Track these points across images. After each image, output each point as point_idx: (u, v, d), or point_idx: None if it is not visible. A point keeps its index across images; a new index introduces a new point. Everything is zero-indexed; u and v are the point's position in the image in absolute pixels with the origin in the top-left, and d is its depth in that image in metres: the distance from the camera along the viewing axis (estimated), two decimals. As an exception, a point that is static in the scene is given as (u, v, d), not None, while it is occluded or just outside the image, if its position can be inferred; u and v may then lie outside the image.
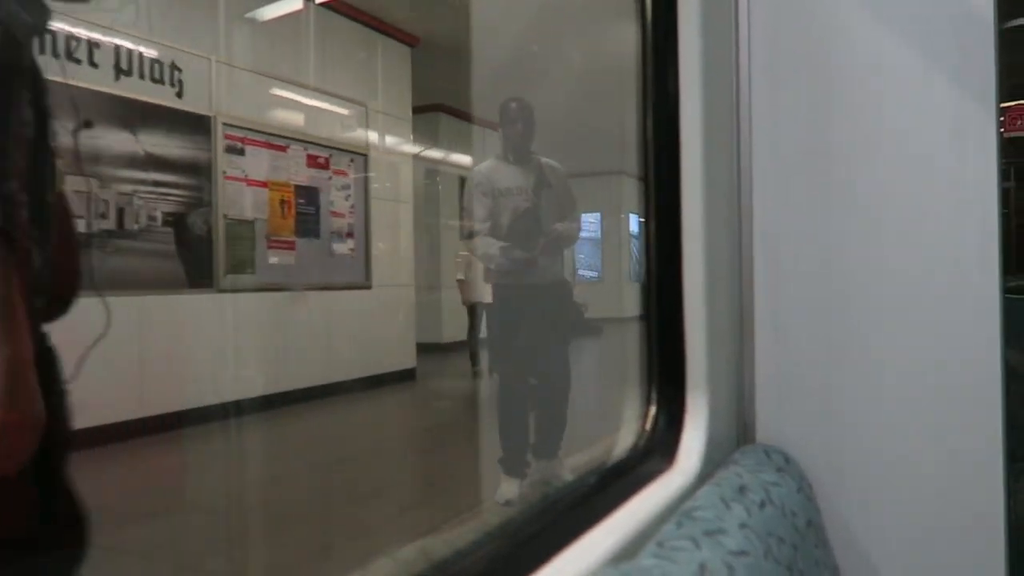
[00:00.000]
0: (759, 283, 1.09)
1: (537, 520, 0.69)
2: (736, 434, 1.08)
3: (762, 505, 0.85)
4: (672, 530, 0.71)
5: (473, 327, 7.38)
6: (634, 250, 14.00)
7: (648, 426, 0.95)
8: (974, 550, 0.97)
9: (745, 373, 1.09)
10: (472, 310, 7.30)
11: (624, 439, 0.95)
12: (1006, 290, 2.93)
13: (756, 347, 1.09)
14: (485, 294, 5.27)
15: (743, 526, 0.76)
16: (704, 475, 0.91)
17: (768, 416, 1.09)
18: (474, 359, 7.45)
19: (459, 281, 7.33)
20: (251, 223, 5.57)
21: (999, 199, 0.99)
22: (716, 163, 1.02)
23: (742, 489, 0.86)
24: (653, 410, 0.96)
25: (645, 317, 0.98)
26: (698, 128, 0.97)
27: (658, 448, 0.92)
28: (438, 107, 9.09)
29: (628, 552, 0.68)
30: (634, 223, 14.00)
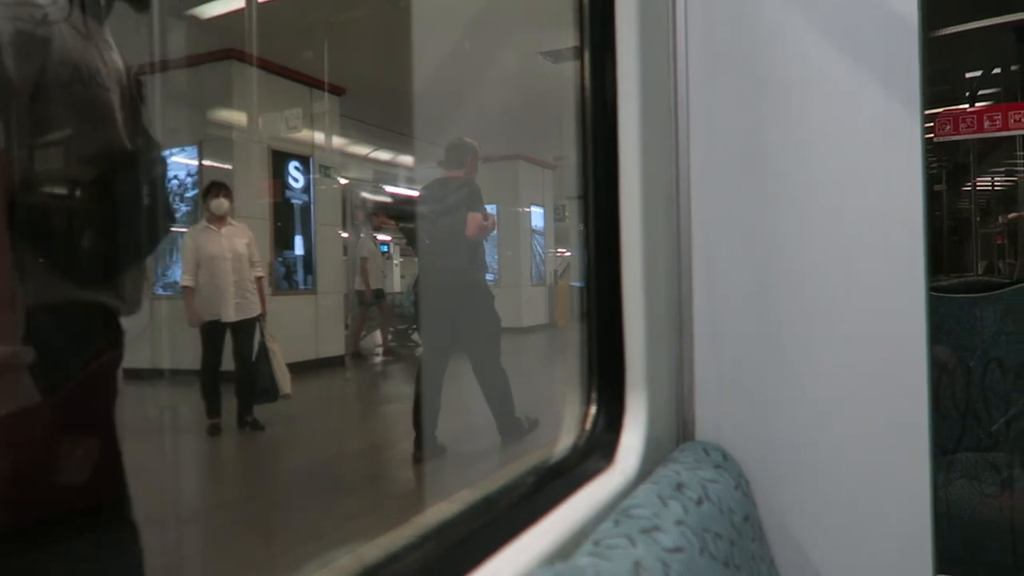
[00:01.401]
0: (697, 284, 1.10)
1: (472, 522, 0.68)
2: (676, 432, 1.10)
3: (699, 502, 0.86)
4: (609, 529, 0.72)
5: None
6: (537, 248, 12.67)
7: (588, 426, 0.95)
8: (902, 540, 1.00)
9: (684, 372, 1.11)
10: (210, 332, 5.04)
11: (564, 440, 0.95)
12: (940, 288, 3.04)
13: (695, 346, 1.11)
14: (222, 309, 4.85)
15: (679, 523, 0.77)
16: (643, 473, 0.92)
17: (707, 414, 1.10)
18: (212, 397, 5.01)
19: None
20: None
21: (924, 201, 1.02)
22: (654, 165, 1.04)
23: (680, 486, 0.87)
24: (593, 411, 0.96)
25: (584, 319, 0.98)
26: (636, 130, 0.98)
27: (597, 448, 0.93)
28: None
29: (564, 552, 0.68)
30: (538, 218, 12.62)
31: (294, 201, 8.63)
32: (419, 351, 9.75)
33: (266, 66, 8.02)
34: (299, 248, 8.65)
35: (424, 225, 4.73)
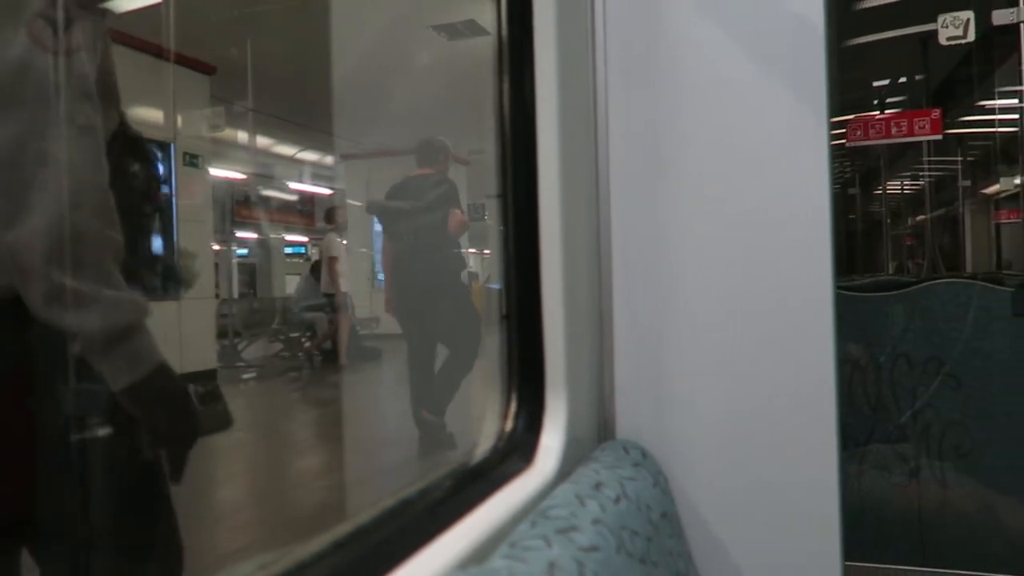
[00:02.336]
0: (617, 283, 1.12)
1: (386, 527, 0.67)
2: (597, 432, 1.11)
3: (617, 500, 0.87)
4: (526, 530, 0.72)
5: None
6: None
7: (507, 427, 0.95)
8: (812, 530, 1.04)
9: (605, 372, 1.12)
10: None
11: (484, 442, 0.95)
12: (853, 288, 3.16)
13: (615, 346, 1.12)
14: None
15: (596, 522, 0.78)
16: (563, 474, 0.93)
17: (627, 413, 1.12)
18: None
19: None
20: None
21: (831, 204, 1.06)
22: (574, 166, 1.04)
23: (598, 485, 0.88)
24: (513, 412, 0.96)
25: (504, 319, 0.98)
26: (555, 132, 0.98)
27: (517, 449, 0.93)
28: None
29: (480, 555, 0.68)
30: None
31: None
32: (315, 361, 9.29)
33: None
34: (156, 247, 8.09)
35: (397, 223, 4.60)
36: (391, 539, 0.65)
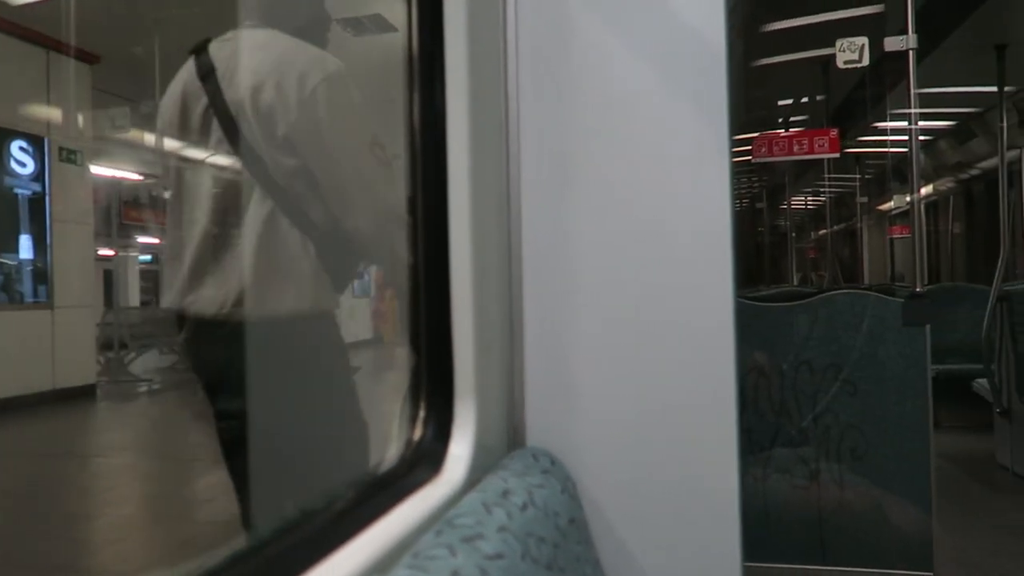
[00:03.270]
0: (528, 291, 1.13)
1: (284, 540, 0.66)
2: (507, 439, 1.11)
3: (524, 507, 0.87)
4: (431, 539, 0.71)
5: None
6: None
7: (416, 436, 0.94)
8: (713, 533, 1.07)
9: (515, 379, 1.13)
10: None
11: (391, 452, 0.93)
12: (760, 299, 3.27)
13: (526, 353, 1.13)
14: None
15: (502, 529, 0.78)
16: (471, 482, 0.93)
17: (537, 420, 1.13)
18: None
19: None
20: None
21: (732, 217, 1.10)
22: (485, 173, 1.05)
23: (506, 493, 0.88)
24: (421, 421, 0.95)
25: (412, 327, 0.98)
26: (465, 139, 0.98)
27: (425, 458, 0.92)
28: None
29: (383, 565, 0.67)
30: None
31: (18, 191, 6.95)
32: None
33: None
34: (26, 251, 7.02)
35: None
36: (288, 553, 0.63)
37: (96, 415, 7.32)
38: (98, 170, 9.62)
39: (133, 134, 7.89)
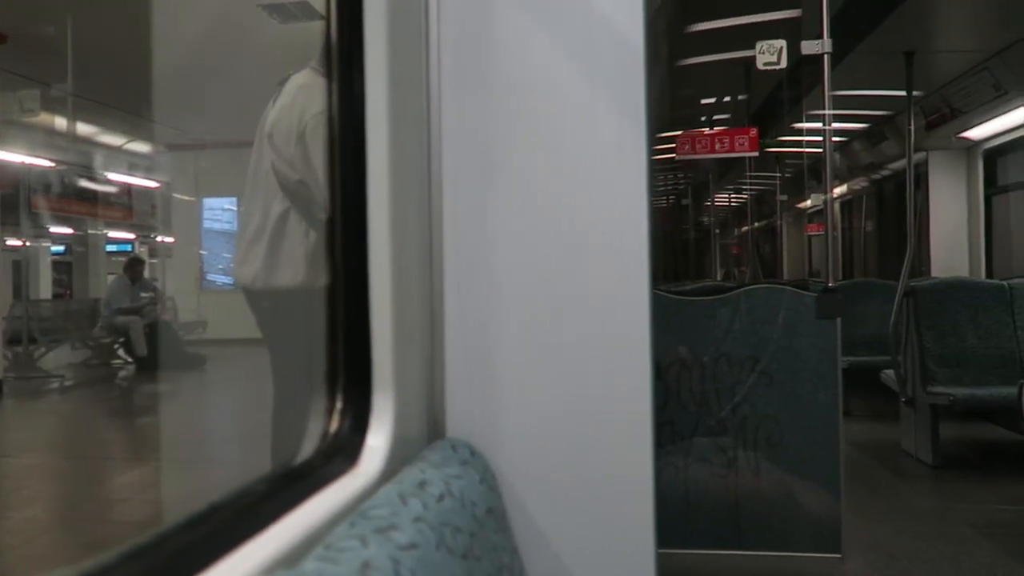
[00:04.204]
0: (449, 283, 1.13)
1: (189, 534, 0.64)
2: (427, 431, 1.11)
3: (441, 498, 0.87)
4: (343, 531, 0.71)
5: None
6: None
7: (332, 428, 0.93)
8: (628, 520, 1.10)
9: (436, 370, 1.13)
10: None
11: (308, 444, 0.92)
12: (684, 293, 3.34)
13: (447, 345, 1.13)
14: None
15: (417, 520, 0.78)
16: (388, 474, 0.92)
17: (458, 411, 1.13)
18: None
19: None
20: None
21: (649, 212, 1.13)
22: (405, 165, 1.04)
23: (423, 484, 0.88)
24: (338, 412, 0.94)
25: (330, 319, 0.96)
26: (384, 128, 0.98)
27: (341, 450, 0.91)
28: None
29: (293, 558, 0.66)
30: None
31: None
32: (127, 371, 8.59)
33: None
34: None
35: None
36: (192, 546, 0.62)
37: (1, 413, 6.95)
38: (4, 155, 9.11)
39: (43, 118, 7.49)
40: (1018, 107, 5.21)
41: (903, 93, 5.03)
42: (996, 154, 6.20)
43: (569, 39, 1.12)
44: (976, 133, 6.08)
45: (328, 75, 0.95)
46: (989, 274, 6.13)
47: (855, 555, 2.85)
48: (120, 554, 0.58)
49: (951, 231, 6.58)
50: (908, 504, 3.69)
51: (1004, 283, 4.49)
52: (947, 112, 5.91)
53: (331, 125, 0.95)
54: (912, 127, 5.00)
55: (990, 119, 5.73)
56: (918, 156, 6.01)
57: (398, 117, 1.01)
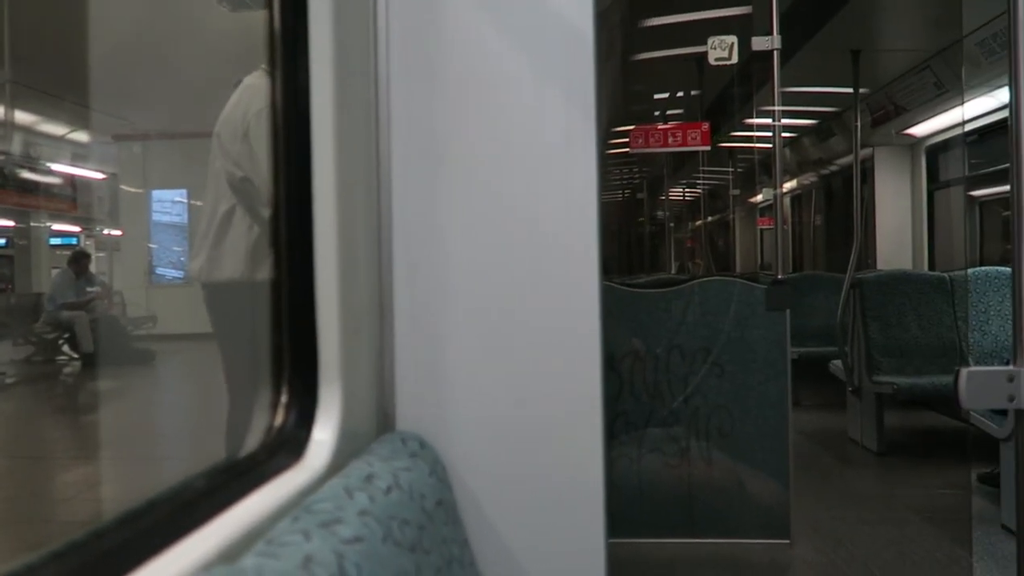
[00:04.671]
0: (399, 276, 1.12)
1: (124, 530, 0.62)
2: (376, 424, 1.10)
3: (388, 491, 0.87)
4: (286, 526, 0.70)
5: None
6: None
7: (277, 422, 0.92)
8: (578, 511, 1.10)
9: (385, 363, 1.12)
10: None
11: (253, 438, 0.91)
12: (638, 285, 3.37)
13: (396, 338, 1.12)
14: None
15: (363, 513, 0.77)
16: (336, 467, 0.91)
17: (408, 404, 1.12)
18: None
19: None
20: None
21: (599, 205, 1.13)
22: (352, 156, 1.03)
23: (370, 477, 0.87)
24: (283, 406, 0.93)
25: (275, 312, 0.95)
26: (330, 118, 0.96)
27: (286, 444, 0.90)
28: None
29: (233, 554, 0.65)
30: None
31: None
32: (73, 367, 8.38)
33: None
34: None
35: None
36: (126, 544, 0.60)
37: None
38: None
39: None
40: (958, 105, 5.38)
41: (850, 90, 5.16)
42: (938, 150, 6.39)
43: (519, 31, 1.11)
44: (919, 130, 6.26)
45: (272, 65, 0.93)
46: (931, 266, 6.31)
47: (803, 540, 2.92)
48: (49, 553, 0.56)
49: (896, 225, 6.76)
50: (854, 490, 3.79)
51: (945, 275, 4.64)
52: (891, 109, 6.07)
53: (275, 116, 0.94)
54: (859, 124, 5.13)
55: (932, 116, 5.90)
56: (864, 152, 6.16)
57: (345, 108, 1.00)
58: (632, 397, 3.06)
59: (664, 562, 2.77)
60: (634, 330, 3.12)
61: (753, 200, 11.21)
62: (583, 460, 1.11)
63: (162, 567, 0.59)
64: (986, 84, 4.81)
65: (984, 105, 5.12)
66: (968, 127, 5.57)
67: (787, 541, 2.84)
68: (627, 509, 2.92)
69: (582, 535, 1.11)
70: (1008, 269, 1.15)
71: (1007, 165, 1.16)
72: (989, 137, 5.40)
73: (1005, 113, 1.17)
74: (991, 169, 5.67)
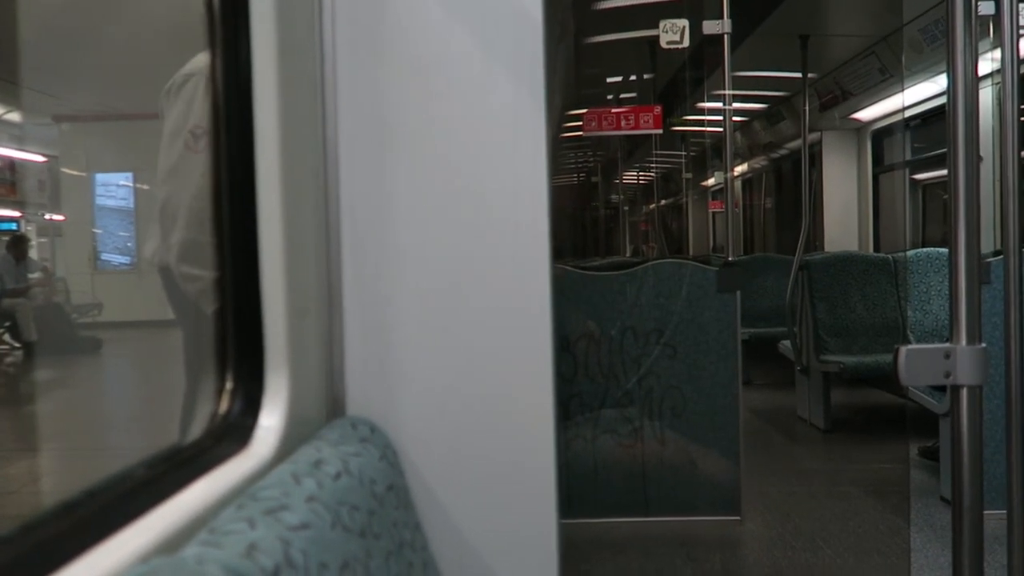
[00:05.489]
0: (347, 258, 1.10)
1: (58, 522, 0.60)
2: (326, 409, 1.09)
3: (337, 476, 0.86)
4: (230, 514, 0.68)
5: None
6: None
7: (223, 409, 0.90)
8: (531, 492, 1.11)
9: (335, 347, 1.10)
10: None
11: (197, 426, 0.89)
12: (593, 268, 3.39)
13: (346, 321, 1.10)
14: None
15: (311, 499, 0.76)
16: (284, 454, 0.90)
17: (358, 389, 1.11)
18: None
19: None
20: None
21: (548, 186, 1.13)
22: (297, 137, 1.00)
23: (318, 463, 0.86)
24: (229, 392, 0.91)
25: (219, 296, 0.92)
26: (274, 100, 0.94)
27: (232, 431, 0.88)
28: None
29: (175, 544, 0.63)
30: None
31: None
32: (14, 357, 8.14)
33: None
34: None
35: None
36: (59, 537, 0.58)
37: None
38: None
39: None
40: (902, 91, 5.51)
41: (799, 75, 5.24)
42: (883, 134, 6.55)
43: (467, 9, 1.10)
44: (865, 115, 6.41)
45: (211, 40, 0.90)
46: (876, 248, 6.49)
47: (753, 516, 3.00)
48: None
49: (843, 208, 6.92)
50: (802, 467, 3.89)
51: (889, 256, 4.77)
52: (839, 94, 6.19)
53: (215, 93, 0.91)
54: (807, 108, 5.23)
55: (877, 101, 6.04)
56: (813, 136, 6.29)
57: (289, 85, 0.97)
58: (587, 378, 3.09)
59: (618, 541, 2.81)
60: (589, 312, 3.15)
61: (706, 184, 11.36)
62: (535, 442, 1.11)
63: (96, 560, 0.57)
64: (928, 70, 4.94)
65: (927, 91, 5.26)
66: (912, 112, 5.72)
67: (738, 517, 2.92)
68: (582, 490, 2.96)
69: (534, 516, 1.12)
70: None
71: (945, 150, 1.19)
72: (932, 122, 5.56)
73: (945, 99, 1.20)
74: (931, 154, 5.84)
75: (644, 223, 15.90)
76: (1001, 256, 1.65)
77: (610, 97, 6.87)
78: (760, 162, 9.44)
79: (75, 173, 10.82)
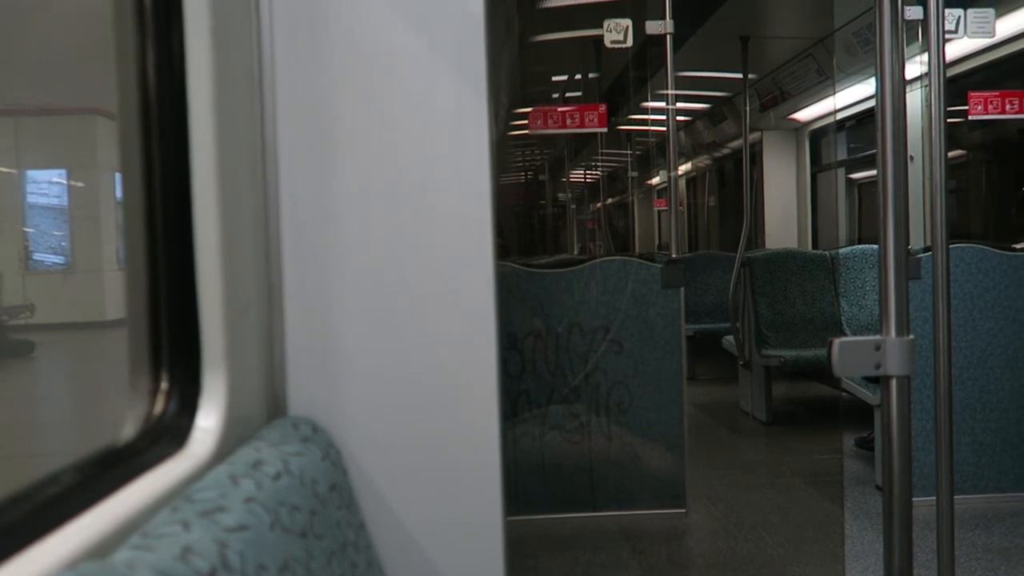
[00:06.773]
0: (288, 255, 1.08)
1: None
2: (266, 409, 1.07)
3: (277, 477, 0.84)
4: (164, 517, 0.67)
5: None
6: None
7: (157, 410, 0.88)
8: (475, 490, 1.11)
9: (275, 346, 1.08)
10: None
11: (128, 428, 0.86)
12: (541, 266, 3.39)
13: (287, 320, 1.09)
14: None
15: (249, 500, 0.75)
16: (222, 455, 0.88)
17: (300, 388, 1.09)
18: None
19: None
20: None
21: (492, 182, 1.13)
22: (234, 131, 0.98)
23: (257, 464, 0.85)
24: (163, 393, 0.89)
25: (152, 294, 0.90)
26: (209, 94, 0.91)
27: (167, 433, 0.86)
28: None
29: (105, 549, 0.61)
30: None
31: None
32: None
33: None
34: None
35: None
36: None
37: None
38: None
39: None
40: (838, 92, 5.67)
41: (740, 75, 5.35)
42: (820, 135, 6.74)
43: (410, 6, 1.09)
44: (803, 115, 6.57)
45: (141, 33, 0.87)
46: (815, 245, 6.67)
47: (698, 508, 3.05)
48: None
49: (783, 206, 7.09)
50: (744, 459, 3.99)
51: (826, 253, 4.91)
52: (778, 95, 6.34)
53: (145, 86, 0.88)
54: (748, 108, 5.34)
55: (815, 102, 6.21)
56: (753, 136, 6.43)
57: (225, 80, 0.95)
58: (534, 375, 3.10)
59: (566, 536, 2.83)
60: (535, 309, 3.16)
61: (651, 182, 11.50)
62: (480, 439, 1.11)
63: (20, 568, 0.55)
64: (861, 72, 5.10)
65: (861, 92, 5.42)
66: (846, 113, 5.89)
67: (683, 510, 2.97)
68: (530, 487, 2.97)
69: (480, 513, 1.12)
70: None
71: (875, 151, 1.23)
72: (866, 122, 5.74)
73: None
74: (864, 154, 6.03)
75: (591, 221, 16.01)
76: (931, 252, 1.72)
77: (556, 96, 6.90)
78: (704, 161, 9.61)
79: (3, 170, 10.39)
